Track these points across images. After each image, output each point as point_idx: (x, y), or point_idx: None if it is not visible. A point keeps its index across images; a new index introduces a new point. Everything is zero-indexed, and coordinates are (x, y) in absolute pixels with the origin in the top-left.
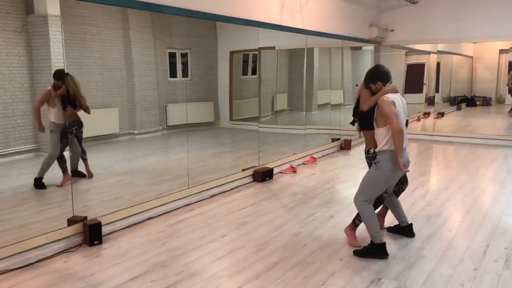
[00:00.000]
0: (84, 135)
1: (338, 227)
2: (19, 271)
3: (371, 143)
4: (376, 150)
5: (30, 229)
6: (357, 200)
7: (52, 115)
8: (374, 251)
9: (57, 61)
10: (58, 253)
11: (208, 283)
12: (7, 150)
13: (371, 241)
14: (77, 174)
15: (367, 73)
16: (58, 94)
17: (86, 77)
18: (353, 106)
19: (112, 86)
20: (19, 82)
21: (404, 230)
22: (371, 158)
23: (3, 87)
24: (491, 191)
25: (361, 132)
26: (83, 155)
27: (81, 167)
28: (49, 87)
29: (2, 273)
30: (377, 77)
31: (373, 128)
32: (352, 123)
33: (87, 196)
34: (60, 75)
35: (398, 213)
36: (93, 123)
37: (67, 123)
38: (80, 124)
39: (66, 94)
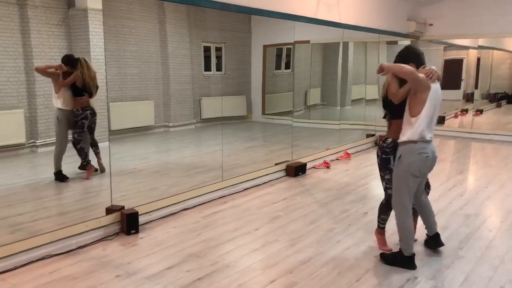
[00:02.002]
0: (120, 126)
1: (373, 224)
2: (60, 257)
3: (393, 134)
4: (399, 141)
5: (70, 217)
6: (394, 208)
7: (58, 100)
8: (402, 261)
9: (96, 53)
10: (97, 240)
11: (242, 275)
12: (47, 140)
13: (400, 249)
14: (84, 168)
15: (397, 55)
16: (68, 83)
17: (123, 70)
18: (381, 97)
19: (148, 79)
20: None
21: (431, 240)
22: (383, 147)
23: (45, 78)
24: None
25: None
26: (95, 149)
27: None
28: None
29: (45, 258)
30: (409, 57)
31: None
32: (385, 117)
33: (124, 187)
34: (70, 60)
35: (427, 219)
36: (129, 115)
37: (79, 109)
38: (93, 112)
39: (80, 81)
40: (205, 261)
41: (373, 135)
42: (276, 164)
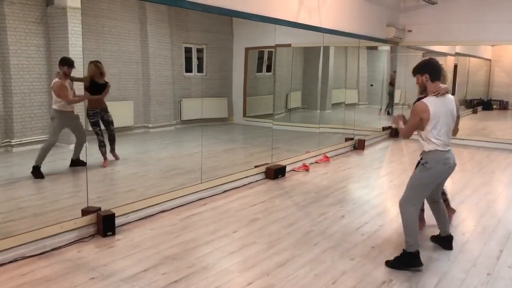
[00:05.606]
0: None
1: (350, 227)
2: (34, 259)
3: None
4: (424, 150)
5: (45, 218)
6: (404, 204)
7: (55, 102)
8: (406, 260)
9: (75, 52)
10: (72, 242)
11: (219, 278)
12: (23, 139)
13: (403, 250)
14: (78, 163)
15: (418, 64)
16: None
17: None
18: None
19: (128, 79)
20: (37, 72)
21: (443, 241)
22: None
23: (22, 77)
24: (506, 195)
25: None
26: (111, 142)
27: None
28: (56, 78)
29: (18, 259)
30: (425, 69)
31: None
32: None
33: (101, 188)
34: (67, 62)
35: (442, 223)
36: None
37: (97, 109)
38: (104, 109)
39: (93, 81)
40: (182, 264)
41: (352, 139)
42: (256, 167)
